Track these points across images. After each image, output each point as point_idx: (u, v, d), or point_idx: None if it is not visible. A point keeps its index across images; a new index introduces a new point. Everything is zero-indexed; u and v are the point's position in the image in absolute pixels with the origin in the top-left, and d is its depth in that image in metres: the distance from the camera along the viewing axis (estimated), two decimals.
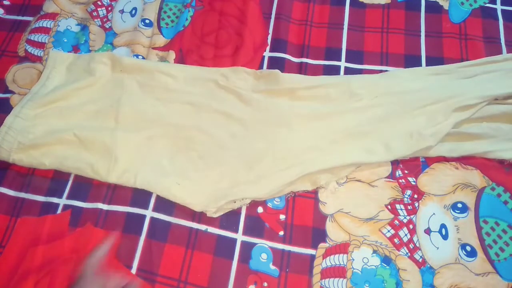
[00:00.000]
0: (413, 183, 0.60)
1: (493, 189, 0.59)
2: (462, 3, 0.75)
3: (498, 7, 0.74)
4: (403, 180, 0.60)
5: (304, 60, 0.71)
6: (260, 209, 0.59)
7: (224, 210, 0.58)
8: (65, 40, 0.75)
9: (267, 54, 0.72)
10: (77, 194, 0.61)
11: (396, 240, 0.56)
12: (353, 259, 0.55)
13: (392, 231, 0.57)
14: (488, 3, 0.74)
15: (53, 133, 0.63)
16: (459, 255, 0.55)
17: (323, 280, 0.54)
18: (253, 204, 0.59)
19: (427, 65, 0.69)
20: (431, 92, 0.64)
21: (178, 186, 0.59)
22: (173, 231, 0.58)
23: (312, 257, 0.56)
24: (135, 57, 0.72)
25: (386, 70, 0.69)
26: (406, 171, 0.61)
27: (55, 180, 0.62)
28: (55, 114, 0.65)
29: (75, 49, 0.74)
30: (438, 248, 0.56)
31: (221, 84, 0.68)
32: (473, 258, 0.55)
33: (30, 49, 0.74)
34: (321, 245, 0.57)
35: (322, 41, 0.73)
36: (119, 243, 0.56)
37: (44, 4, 0.78)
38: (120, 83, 0.68)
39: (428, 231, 0.57)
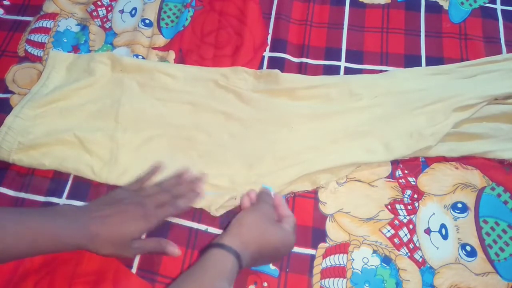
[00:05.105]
0: (413, 183, 0.60)
1: (493, 189, 0.59)
2: (462, 3, 0.75)
3: (498, 7, 0.74)
4: (403, 180, 0.60)
5: (304, 60, 0.71)
6: None
7: (225, 207, 0.58)
8: (65, 40, 0.75)
9: (267, 54, 0.72)
10: (77, 194, 0.61)
11: (396, 240, 0.56)
12: (353, 259, 0.55)
13: (392, 231, 0.57)
14: (488, 3, 0.75)
15: (53, 134, 0.63)
16: (459, 255, 0.55)
17: (323, 280, 0.54)
18: None
19: (427, 65, 0.69)
20: (431, 92, 0.64)
21: None
22: (173, 231, 0.58)
23: (312, 257, 0.56)
24: (135, 57, 0.72)
25: (386, 70, 0.69)
26: (406, 171, 0.61)
27: (55, 180, 0.62)
28: (55, 114, 0.65)
29: (75, 49, 0.74)
30: (438, 248, 0.56)
31: (221, 84, 0.68)
32: (473, 258, 0.55)
33: (30, 49, 0.74)
34: (321, 245, 0.57)
35: (322, 41, 0.73)
36: None
37: (44, 4, 0.78)
38: (120, 83, 0.68)
39: (428, 231, 0.57)
